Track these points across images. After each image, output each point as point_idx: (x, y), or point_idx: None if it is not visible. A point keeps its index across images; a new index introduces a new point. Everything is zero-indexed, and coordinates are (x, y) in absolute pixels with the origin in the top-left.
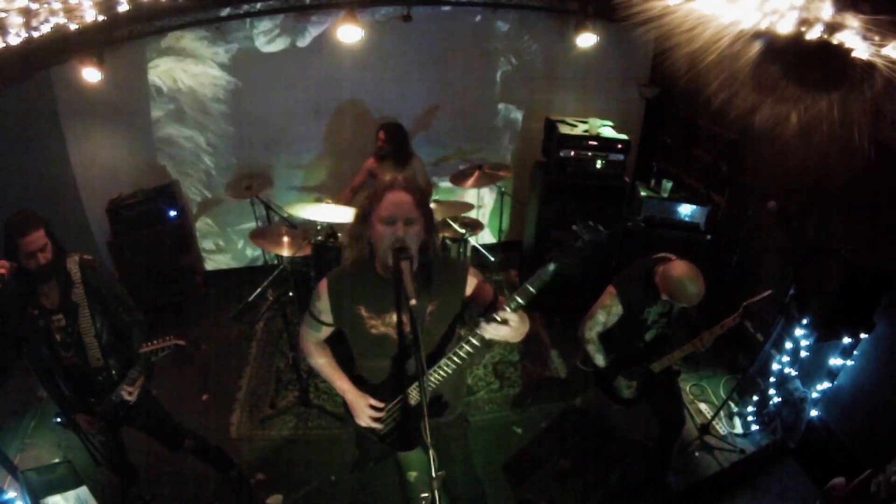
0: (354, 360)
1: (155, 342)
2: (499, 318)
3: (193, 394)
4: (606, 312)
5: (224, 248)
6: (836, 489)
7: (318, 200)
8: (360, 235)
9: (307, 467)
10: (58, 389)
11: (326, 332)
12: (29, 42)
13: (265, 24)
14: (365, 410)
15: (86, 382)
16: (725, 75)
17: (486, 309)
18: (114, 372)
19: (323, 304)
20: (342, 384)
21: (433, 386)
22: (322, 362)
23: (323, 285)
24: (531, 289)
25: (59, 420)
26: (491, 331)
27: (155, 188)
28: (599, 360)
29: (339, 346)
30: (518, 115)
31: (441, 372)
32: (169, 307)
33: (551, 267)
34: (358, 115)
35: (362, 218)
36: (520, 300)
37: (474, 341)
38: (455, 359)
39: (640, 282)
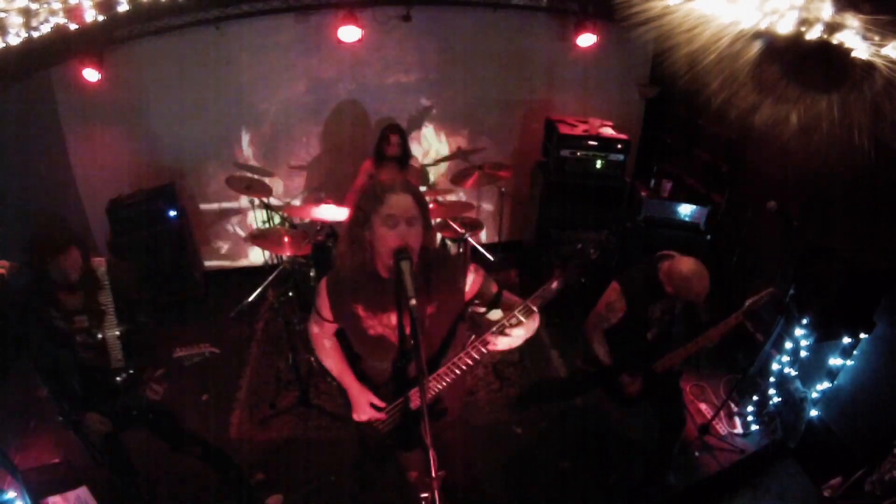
0: (359, 358)
1: (187, 348)
2: (500, 333)
3: (193, 394)
4: (611, 309)
5: (224, 248)
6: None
7: (319, 200)
8: (359, 238)
9: (307, 467)
10: (67, 390)
11: (330, 328)
12: (29, 42)
13: (265, 24)
14: (366, 407)
15: (101, 382)
16: (725, 75)
17: (491, 306)
18: (132, 371)
19: (323, 302)
20: (346, 379)
21: (434, 392)
22: (329, 356)
23: (323, 283)
24: (533, 307)
25: (62, 419)
26: (493, 345)
27: (155, 188)
28: (604, 358)
29: (344, 342)
30: (518, 115)
31: (442, 379)
32: (169, 307)
33: (554, 285)
34: (357, 115)
35: (361, 220)
36: (521, 318)
37: (474, 354)
38: (456, 368)
39: (644, 278)
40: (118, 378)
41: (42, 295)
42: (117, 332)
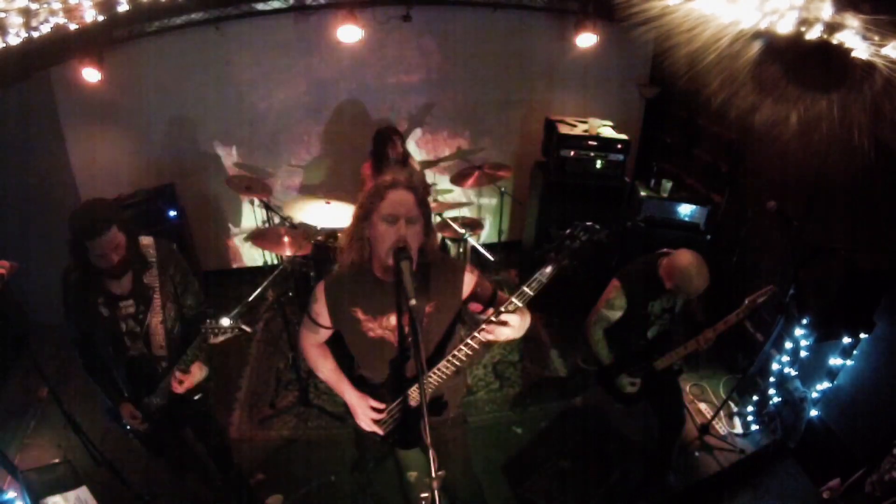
0: (354, 360)
1: (219, 322)
2: (496, 321)
3: (192, 393)
4: (611, 307)
5: (224, 248)
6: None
7: (322, 199)
8: (359, 235)
9: (307, 467)
10: (112, 383)
11: (325, 334)
12: (29, 42)
13: (265, 24)
14: (366, 413)
15: (145, 374)
16: (725, 75)
17: (486, 305)
18: (178, 359)
19: (320, 307)
20: (342, 387)
21: (433, 386)
22: (322, 364)
23: (320, 288)
24: (529, 291)
25: (109, 411)
26: (490, 334)
27: (155, 188)
28: (604, 357)
29: (339, 347)
30: (518, 115)
31: (440, 373)
32: None
33: (548, 269)
34: (357, 115)
35: (363, 217)
36: (517, 303)
37: (473, 344)
38: (454, 360)
39: (644, 274)
40: (159, 370)
41: (87, 282)
42: (161, 316)
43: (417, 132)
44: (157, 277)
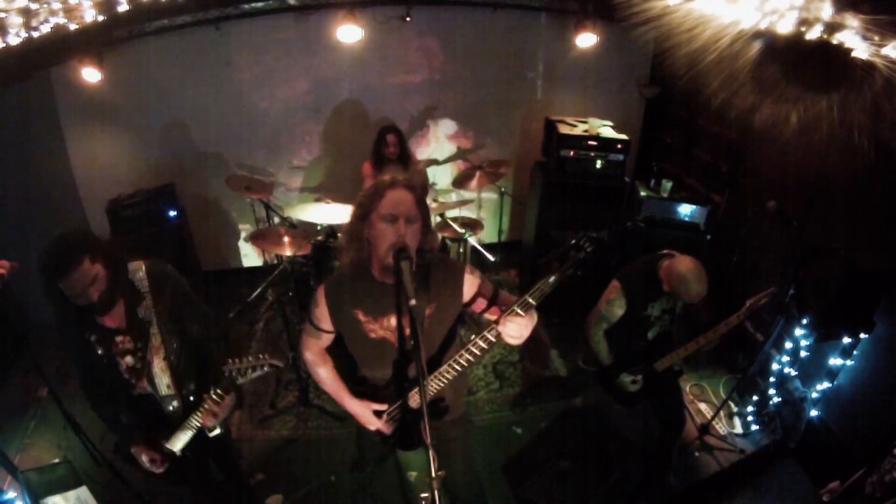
0: (356, 363)
1: (244, 360)
2: (500, 325)
3: None
4: (611, 307)
5: (224, 248)
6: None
7: (318, 200)
8: (358, 234)
9: (307, 467)
10: (116, 420)
11: (327, 339)
12: (29, 42)
13: (265, 24)
14: (371, 418)
15: (156, 414)
16: (725, 75)
17: (489, 305)
18: (192, 399)
19: (321, 311)
20: (342, 395)
21: (435, 390)
22: (323, 372)
23: (320, 291)
24: (531, 300)
25: (117, 451)
26: (494, 339)
27: (155, 188)
28: (604, 357)
29: (340, 348)
30: (518, 115)
31: (443, 377)
32: None
33: (551, 279)
34: (357, 115)
35: (361, 216)
36: (519, 311)
37: (475, 349)
38: (456, 365)
39: (644, 275)
40: (170, 408)
41: (77, 317)
42: (163, 352)
43: (418, 132)
44: (151, 308)
